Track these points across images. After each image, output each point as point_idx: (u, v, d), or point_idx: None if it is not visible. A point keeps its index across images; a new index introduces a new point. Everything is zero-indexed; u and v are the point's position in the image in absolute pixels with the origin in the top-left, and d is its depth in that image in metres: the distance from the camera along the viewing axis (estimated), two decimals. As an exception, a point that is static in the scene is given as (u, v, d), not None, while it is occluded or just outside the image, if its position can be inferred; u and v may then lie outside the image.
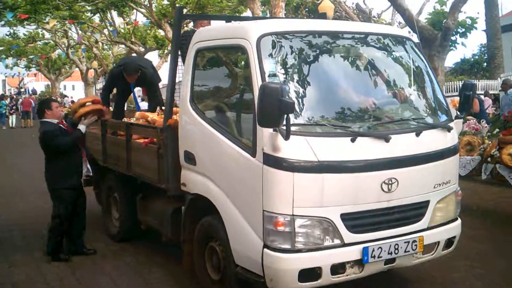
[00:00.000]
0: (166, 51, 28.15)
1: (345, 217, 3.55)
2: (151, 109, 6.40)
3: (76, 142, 5.47)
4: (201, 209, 4.25)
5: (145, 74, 6.35)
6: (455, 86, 21.88)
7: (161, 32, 26.76)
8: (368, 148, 3.60)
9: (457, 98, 4.76)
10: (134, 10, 26.41)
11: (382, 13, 28.06)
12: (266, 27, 3.86)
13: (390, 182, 3.65)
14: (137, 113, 6.13)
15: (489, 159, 6.82)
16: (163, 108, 5.11)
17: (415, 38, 6.07)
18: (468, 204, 6.29)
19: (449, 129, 4.08)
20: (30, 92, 46.60)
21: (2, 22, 27.33)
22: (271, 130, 3.42)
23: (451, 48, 12.07)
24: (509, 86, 11.81)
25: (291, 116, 3.35)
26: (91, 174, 6.06)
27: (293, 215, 3.44)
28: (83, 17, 27.42)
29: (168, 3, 23.50)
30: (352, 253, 3.59)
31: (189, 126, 4.33)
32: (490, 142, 7.11)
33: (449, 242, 4.15)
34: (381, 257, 3.67)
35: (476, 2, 25.96)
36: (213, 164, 4.06)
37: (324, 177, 3.48)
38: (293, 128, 3.36)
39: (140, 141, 5.30)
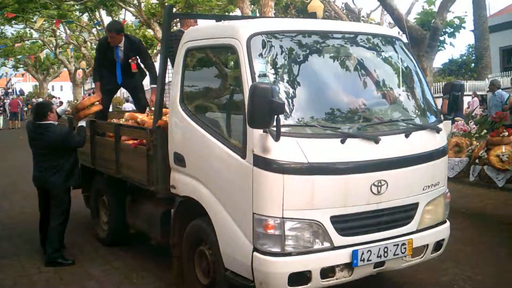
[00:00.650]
0: (155, 51, 28.00)
1: (334, 219, 3.52)
2: (142, 105, 6.32)
3: None
4: (191, 211, 4.20)
5: (132, 40, 6.26)
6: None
7: (150, 32, 26.60)
8: (357, 150, 3.58)
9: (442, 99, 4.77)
10: (123, 9, 26.23)
11: (371, 13, 28.26)
12: (256, 27, 3.82)
13: (379, 184, 3.62)
14: (127, 114, 6.09)
15: (477, 160, 6.82)
16: (153, 109, 5.05)
17: (404, 38, 6.06)
18: (456, 206, 6.27)
19: (438, 131, 4.07)
20: (18, 93, 46.05)
21: (-11, 22, 27.10)
22: (261, 131, 3.39)
23: (439, 48, 12.07)
24: (497, 87, 11.90)
25: (281, 117, 3.31)
26: None
27: (283, 217, 3.39)
28: (72, 16, 27.19)
29: (157, 2, 23.37)
30: (342, 257, 3.56)
31: (179, 127, 4.28)
32: (478, 144, 7.12)
33: (438, 245, 4.11)
34: (370, 260, 3.64)
35: (464, 1, 26.10)
36: (203, 166, 4.01)
37: (314, 179, 3.44)
38: (283, 129, 3.32)
39: (129, 142, 5.24)
